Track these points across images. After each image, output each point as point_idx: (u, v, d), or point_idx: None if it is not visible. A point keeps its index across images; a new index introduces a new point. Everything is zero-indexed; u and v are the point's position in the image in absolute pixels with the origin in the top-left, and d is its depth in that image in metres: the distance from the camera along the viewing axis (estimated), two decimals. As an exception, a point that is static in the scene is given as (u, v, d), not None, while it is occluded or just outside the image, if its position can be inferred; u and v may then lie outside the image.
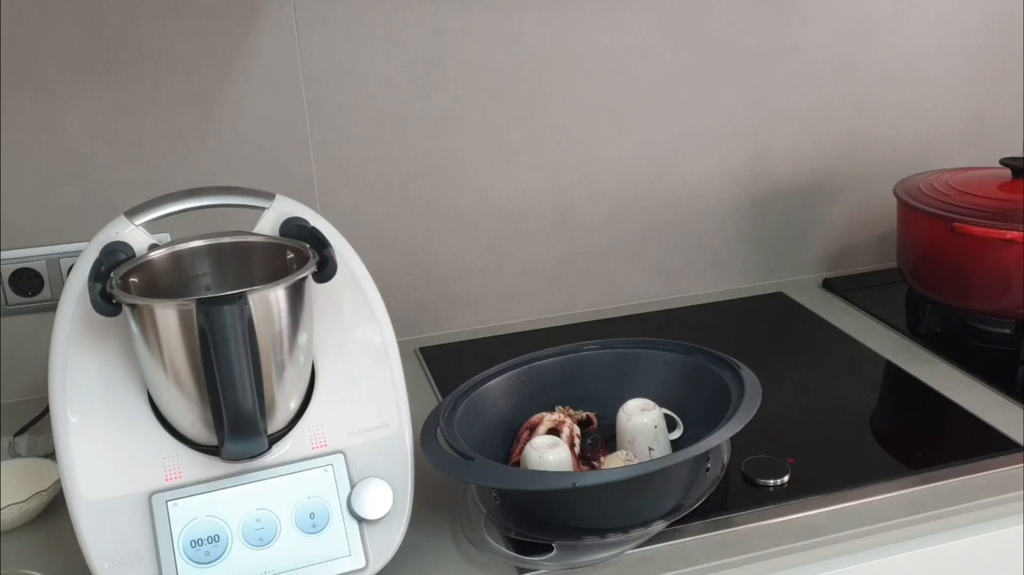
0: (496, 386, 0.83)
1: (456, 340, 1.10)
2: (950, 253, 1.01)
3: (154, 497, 0.66)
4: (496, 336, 1.11)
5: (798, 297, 1.18)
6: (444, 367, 1.03)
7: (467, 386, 0.82)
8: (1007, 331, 1.03)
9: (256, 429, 0.64)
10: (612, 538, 0.71)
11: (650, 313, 1.16)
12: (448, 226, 1.10)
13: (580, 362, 0.86)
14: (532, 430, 0.80)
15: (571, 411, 0.84)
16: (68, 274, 0.96)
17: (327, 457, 0.70)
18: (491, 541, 0.73)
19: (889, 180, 1.23)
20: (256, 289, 0.63)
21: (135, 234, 0.70)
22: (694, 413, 0.82)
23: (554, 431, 0.80)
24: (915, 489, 0.78)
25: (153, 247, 0.70)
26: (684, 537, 0.74)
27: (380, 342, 0.73)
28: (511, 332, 1.12)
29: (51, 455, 0.85)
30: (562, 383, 0.86)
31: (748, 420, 0.73)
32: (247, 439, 0.65)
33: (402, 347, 0.76)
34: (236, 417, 0.63)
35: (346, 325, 0.73)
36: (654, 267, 1.18)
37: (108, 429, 0.67)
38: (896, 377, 0.97)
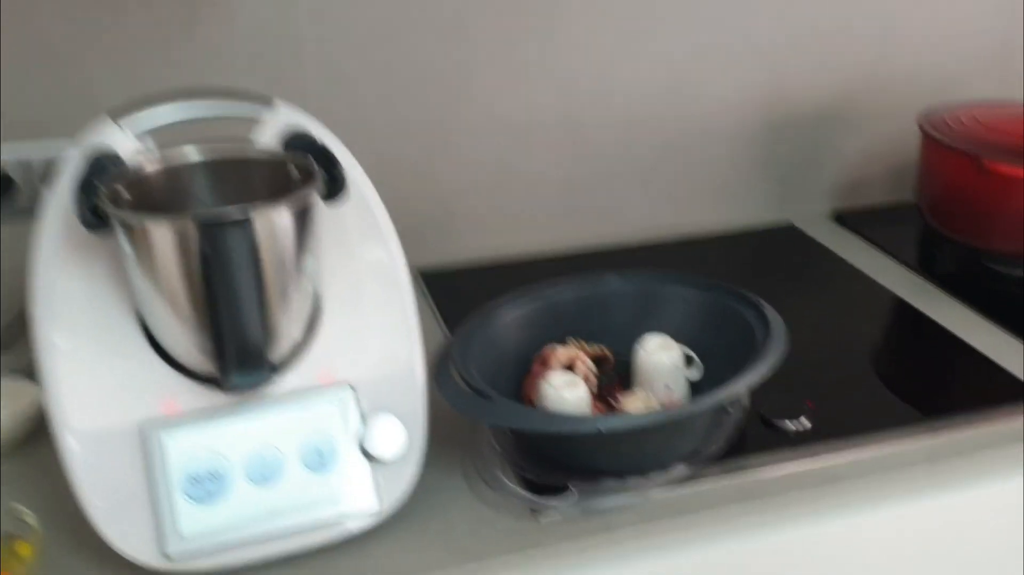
0: (510, 317, 0.78)
1: (459, 265, 1.05)
2: (975, 191, 0.97)
3: (149, 430, 0.61)
4: (500, 263, 1.05)
5: (808, 230, 1.14)
6: (447, 294, 0.98)
7: (479, 318, 0.77)
8: (1022, 273, 1.01)
9: (260, 358, 0.59)
10: (630, 480, 0.69)
11: (658, 244, 1.11)
12: (452, 141, 1.03)
13: (599, 294, 0.82)
14: (544, 363, 0.77)
15: (584, 345, 0.80)
16: (43, 176, 0.89)
17: (335, 389, 0.65)
18: (506, 481, 0.69)
19: (909, 110, 1.18)
20: (262, 208, 0.57)
21: (121, 139, 0.63)
22: (713, 351, 0.78)
23: (568, 367, 0.76)
24: (929, 438, 0.76)
25: (143, 154, 0.64)
26: (703, 479, 0.71)
27: (390, 263, 0.68)
28: (516, 258, 1.06)
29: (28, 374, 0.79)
30: (577, 315, 0.81)
31: (777, 364, 0.69)
32: (251, 369, 0.60)
33: (404, 269, 0.70)
34: (240, 345, 0.58)
35: (353, 248, 0.68)
36: (663, 193, 1.13)
37: (97, 355, 0.61)
38: (910, 317, 0.95)
